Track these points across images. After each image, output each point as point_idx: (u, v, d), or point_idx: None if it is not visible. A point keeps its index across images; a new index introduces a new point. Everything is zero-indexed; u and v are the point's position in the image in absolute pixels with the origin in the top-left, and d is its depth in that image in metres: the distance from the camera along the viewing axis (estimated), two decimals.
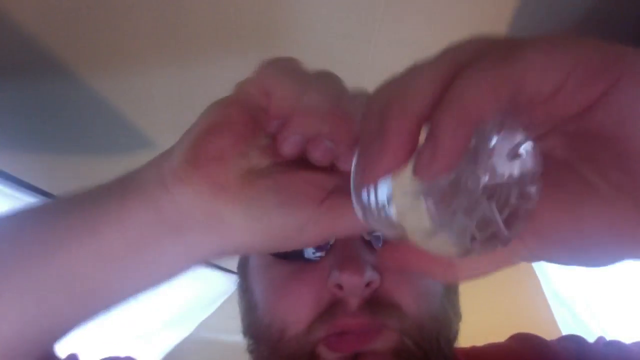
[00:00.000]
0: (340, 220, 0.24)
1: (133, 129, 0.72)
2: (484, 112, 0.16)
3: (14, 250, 0.25)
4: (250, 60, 0.68)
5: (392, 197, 0.19)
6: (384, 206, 0.19)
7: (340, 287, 0.34)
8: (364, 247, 0.36)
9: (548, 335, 0.49)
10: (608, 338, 0.47)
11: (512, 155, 0.18)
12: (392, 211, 0.19)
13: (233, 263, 0.51)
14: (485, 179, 0.18)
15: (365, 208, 0.20)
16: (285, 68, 0.26)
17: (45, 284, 0.24)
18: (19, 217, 0.27)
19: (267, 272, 0.39)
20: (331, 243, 0.36)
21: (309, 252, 0.37)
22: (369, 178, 0.17)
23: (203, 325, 1.32)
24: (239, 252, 0.27)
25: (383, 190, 0.19)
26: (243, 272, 0.44)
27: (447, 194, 0.18)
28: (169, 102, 0.70)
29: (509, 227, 0.19)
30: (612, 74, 0.16)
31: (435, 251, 0.19)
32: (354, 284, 0.33)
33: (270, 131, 0.25)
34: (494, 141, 0.18)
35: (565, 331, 1.00)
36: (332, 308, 0.34)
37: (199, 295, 1.26)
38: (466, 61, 0.17)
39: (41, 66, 0.60)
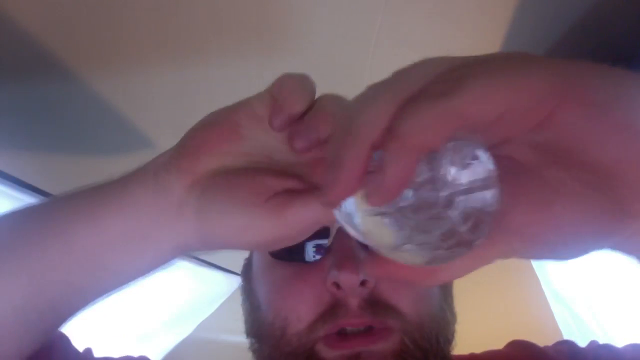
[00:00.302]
0: (284, 220, 0.25)
1: (133, 129, 0.72)
2: (426, 144, 0.17)
3: (15, 237, 0.26)
4: (250, 61, 0.69)
5: (356, 215, 0.21)
6: (351, 222, 0.21)
7: (337, 286, 0.35)
8: (361, 248, 0.37)
9: (548, 335, 0.49)
10: (608, 338, 0.47)
11: (464, 165, 0.20)
12: (359, 227, 0.21)
13: (233, 263, 0.51)
14: (441, 193, 0.20)
15: (342, 220, 0.22)
16: (299, 80, 0.28)
17: (45, 265, 0.26)
18: (23, 211, 0.29)
19: (269, 273, 0.40)
20: (329, 245, 0.37)
21: (309, 254, 0.38)
22: (329, 201, 0.19)
23: (203, 325, 1.32)
24: (197, 247, 0.28)
25: (349, 207, 0.21)
26: (247, 274, 0.45)
27: (405, 212, 0.20)
28: (168, 102, 0.70)
29: (473, 231, 0.20)
30: (553, 100, 0.17)
31: (402, 262, 0.21)
32: (350, 281, 0.34)
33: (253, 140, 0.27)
34: (447, 157, 0.19)
35: (565, 331, 1.00)
36: (333, 309, 0.35)
37: (199, 295, 1.26)
38: (412, 92, 0.18)
39: (41, 66, 0.60)
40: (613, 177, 0.19)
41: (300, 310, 0.36)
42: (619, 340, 0.77)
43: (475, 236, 0.20)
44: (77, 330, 0.90)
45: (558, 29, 0.59)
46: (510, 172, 0.21)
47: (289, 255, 0.39)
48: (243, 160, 0.27)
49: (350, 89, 0.58)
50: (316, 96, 0.28)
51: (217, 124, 0.28)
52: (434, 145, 0.17)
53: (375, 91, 0.19)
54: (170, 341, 1.19)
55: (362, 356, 0.34)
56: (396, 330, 0.35)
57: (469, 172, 0.20)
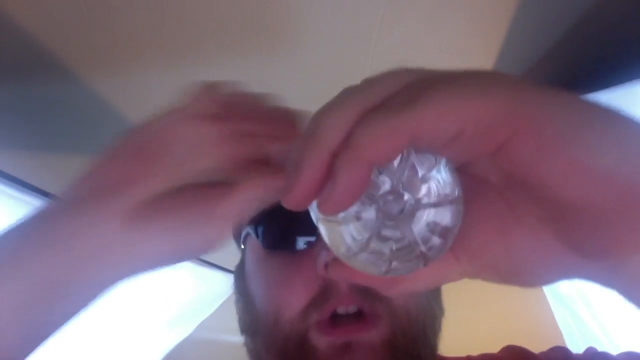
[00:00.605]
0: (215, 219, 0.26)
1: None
2: (378, 156, 0.17)
3: None
4: (249, 61, 0.69)
5: (317, 221, 0.21)
6: (316, 224, 0.21)
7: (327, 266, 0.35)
8: None
9: (549, 335, 0.49)
10: (609, 338, 0.47)
11: (427, 180, 0.20)
12: (320, 231, 0.21)
13: (233, 263, 0.52)
14: (401, 206, 0.20)
15: (313, 220, 0.21)
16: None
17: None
18: None
19: (262, 265, 0.40)
20: (318, 233, 0.37)
21: (300, 243, 0.38)
22: (289, 204, 0.19)
23: (203, 325, 1.32)
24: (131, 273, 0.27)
25: (312, 212, 0.21)
26: (240, 273, 0.45)
27: (361, 222, 0.20)
28: (168, 102, 0.70)
29: (431, 246, 0.20)
30: (508, 127, 0.17)
31: (358, 269, 0.21)
32: None
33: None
34: (405, 170, 0.19)
35: (565, 331, 1.00)
36: (324, 292, 0.35)
37: (199, 295, 1.26)
38: (375, 102, 0.18)
39: (41, 66, 0.60)
40: (568, 216, 0.18)
41: (292, 296, 0.36)
42: (619, 340, 0.77)
43: (432, 252, 0.20)
44: (77, 330, 0.90)
45: (558, 29, 0.59)
46: (475, 192, 0.21)
47: (282, 245, 0.39)
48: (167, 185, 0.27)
49: None
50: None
51: (143, 154, 0.27)
52: (386, 157, 0.17)
53: (340, 98, 0.19)
54: (170, 341, 1.19)
55: (353, 346, 0.34)
56: (385, 318, 0.35)
57: (433, 186, 0.20)
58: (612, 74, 0.57)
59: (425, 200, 0.20)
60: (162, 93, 0.69)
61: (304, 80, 0.69)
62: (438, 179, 0.20)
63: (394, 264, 0.20)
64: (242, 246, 0.46)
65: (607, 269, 0.20)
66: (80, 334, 0.93)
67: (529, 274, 0.22)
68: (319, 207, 0.18)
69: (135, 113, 0.70)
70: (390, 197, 0.20)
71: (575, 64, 0.63)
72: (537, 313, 1.26)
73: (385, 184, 0.20)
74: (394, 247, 0.20)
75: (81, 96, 0.65)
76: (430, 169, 0.20)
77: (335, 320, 0.35)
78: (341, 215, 0.20)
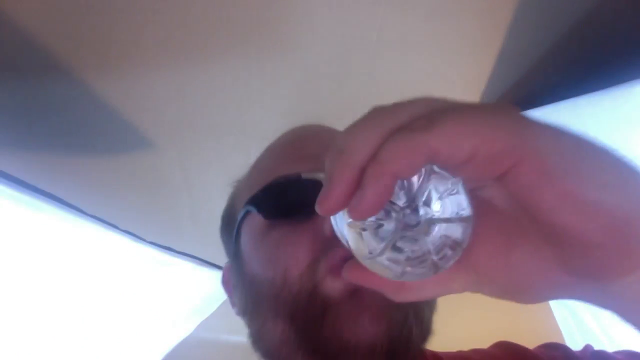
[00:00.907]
0: None
1: (134, 130, 0.72)
2: (401, 170, 0.20)
3: None
4: (251, 61, 0.69)
5: (343, 226, 0.24)
6: (340, 230, 0.25)
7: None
8: None
9: (549, 335, 0.49)
10: (609, 338, 0.47)
11: (444, 196, 0.23)
12: (344, 235, 0.24)
13: None
14: (420, 218, 0.23)
15: (334, 227, 0.26)
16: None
17: None
18: None
19: (264, 236, 0.41)
20: None
21: (303, 213, 0.39)
22: (322, 212, 0.22)
23: (203, 325, 1.32)
24: None
25: (339, 218, 0.25)
26: (237, 257, 0.44)
27: (383, 230, 0.23)
28: (169, 102, 0.70)
29: (442, 257, 0.23)
30: (513, 157, 0.20)
31: (375, 271, 0.24)
32: None
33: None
34: (425, 187, 0.22)
35: (565, 331, 1.00)
36: (331, 242, 0.35)
37: (199, 295, 1.26)
38: (399, 124, 0.21)
39: (42, 66, 0.60)
40: (563, 239, 0.21)
41: (298, 252, 0.37)
42: (620, 340, 0.77)
43: (442, 262, 0.23)
44: (78, 330, 0.90)
45: (557, 29, 0.59)
46: (484, 213, 0.24)
47: (286, 213, 0.40)
48: None
49: (350, 89, 0.58)
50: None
51: None
52: (408, 171, 0.20)
53: (369, 119, 0.22)
54: (170, 341, 1.19)
55: (362, 293, 0.35)
56: None
57: (448, 204, 0.23)
58: (611, 73, 0.57)
59: (440, 215, 0.23)
60: (163, 93, 0.69)
61: (305, 80, 0.69)
62: (453, 198, 0.23)
63: (408, 269, 0.23)
64: (236, 234, 0.45)
65: (601, 291, 0.23)
66: (80, 334, 0.93)
67: (527, 291, 0.24)
68: (350, 212, 0.21)
69: (135, 113, 0.70)
70: (408, 211, 0.23)
71: (575, 64, 0.63)
72: (537, 313, 1.26)
73: (409, 197, 0.23)
74: (409, 254, 0.23)
75: (82, 96, 0.65)
76: (446, 188, 0.23)
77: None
78: (366, 222, 0.23)
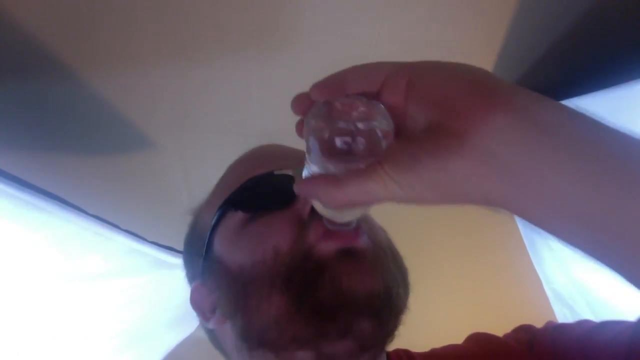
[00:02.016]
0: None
1: (135, 129, 0.72)
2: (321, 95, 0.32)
3: None
4: (250, 61, 0.69)
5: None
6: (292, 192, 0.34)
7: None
8: None
9: None
10: None
11: (375, 108, 0.31)
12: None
13: None
14: (355, 120, 0.31)
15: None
16: None
17: None
18: None
19: (245, 228, 0.42)
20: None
21: (279, 203, 0.42)
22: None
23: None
24: None
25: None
26: (212, 263, 0.45)
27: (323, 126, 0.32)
28: (169, 102, 0.70)
29: (368, 148, 0.30)
30: (402, 78, 0.29)
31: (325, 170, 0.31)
32: None
33: None
34: (354, 108, 0.31)
35: None
36: (310, 220, 0.39)
37: None
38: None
39: (43, 66, 0.60)
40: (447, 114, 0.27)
41: (284, 230, 0.40)
42: None
43: (368, 152, 0.30)
44: (79, 329, 0.90)
45: (558, 29, 0.59)
46: (400, 132, 0.31)
47: (264, 205, 0.43)
48: None
49: None
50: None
51: None
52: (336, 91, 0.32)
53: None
54: (170, 341, 1.19)
55: (352, 251, 0.38)
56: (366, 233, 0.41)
57: (377, 114, 0.31)
58: (611, 73, 0.57)
59: (371, 119, 0.31)
60: (164, 93, 0.69)
61: (305, 80, 0.69)
62: (383, 111, 0.31)
63: (359, 139, 0.31)
64: (208, 244, 0.45)
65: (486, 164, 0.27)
66: (81, 333, 0.93)
67: (455, 191, 0.28)
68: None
69: (135, 113, 0.70)
70: (349, 115, 0.32)
71: (575, 64, 0.63)
72: (537, 312, 1.26)
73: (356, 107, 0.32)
74: (358, 126, 0.31)
75: (82, 96, 0.65)
76: (378, 106, 0.31)
77: (331, 232, 0.38)
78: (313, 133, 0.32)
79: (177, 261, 0.97)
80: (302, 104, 0.33)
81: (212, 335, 0.48)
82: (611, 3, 0.55)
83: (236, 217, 0.43)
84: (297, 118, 0.35)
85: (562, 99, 0.62)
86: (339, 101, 0.32)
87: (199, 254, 0.46)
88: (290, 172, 0.43)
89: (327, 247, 0.38)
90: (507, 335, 0.51)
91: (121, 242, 0.81)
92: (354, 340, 0.37)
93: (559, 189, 0.26)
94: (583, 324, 0.48)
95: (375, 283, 0.37)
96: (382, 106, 0.31)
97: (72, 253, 0.78)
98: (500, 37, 0.61)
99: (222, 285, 0.42)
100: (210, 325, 0.45)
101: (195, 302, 0.45)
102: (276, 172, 0.43)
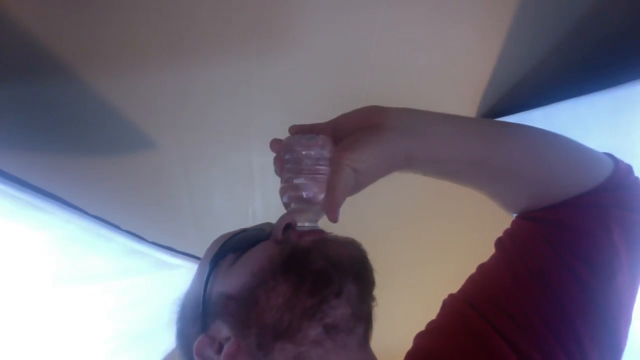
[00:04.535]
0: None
1: (135, 130, 0.72)
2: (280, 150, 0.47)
3: None
4: (251, 61, 0.69)
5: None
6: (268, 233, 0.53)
7: (286, 227, 0.51)
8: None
9: None
10: None
11: (317, 144, 0.46)
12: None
13: None
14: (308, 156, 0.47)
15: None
16: None
17: None
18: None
19: (235, 264, 0.50)
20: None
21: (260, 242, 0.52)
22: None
23: None
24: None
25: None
26: (216, 307, 0.49)
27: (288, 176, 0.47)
28: (169, 101, 0.70)
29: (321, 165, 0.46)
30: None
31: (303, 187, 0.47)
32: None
33: None
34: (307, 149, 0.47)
35: None
36: (285, 233, 0.50)
37: None
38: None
39: (43, 66, 0.60)
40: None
41: (269, 245, 0.50)
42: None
43: (322, 170, 0.46)
44: (80, 330, 0.90)
45: (559, 29, 0.59)
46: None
47: (246, 246, 0.51)
48: None
49: (351, 90, 0.58)
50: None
51: None
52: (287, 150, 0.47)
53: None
54: (170, 342, 1.20)
55: (326, 238, 0.49)
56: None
57: (320, 147, 0.46)
58: (612, 74, 0.57)
59: (320, 153, 0.46)
60: (164, 93, 0.69)
61: (305, 80, 0.69)
62: (327, 143, 0.47)
63: (309, 177, 0.46)
64: (204, 299, 0.50)
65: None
66: (82, 334, 0.93)
67: (388, 157, 0.45)
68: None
69: (136, 113, 0.70)
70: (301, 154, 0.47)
71: (576, 65, 0.63)
72: None
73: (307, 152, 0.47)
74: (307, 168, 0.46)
75: (83, 96, 0.65)
76: (322, 140, 0.47)
77: (305, 233, 0.50)
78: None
79: (178, 261, 0.97)
80: (275, 144, 0.49)
81: None
82: (612, 4, 0.55)
83: (226, 262, 0.51)
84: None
85: (563, 100, 0.62)
86: (295, 137, 0.48)
87: (195, 315, 0.51)
88: (256, 229, 0.55)
89: (307, 240, 0.48)
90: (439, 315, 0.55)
91: (122, 243, 0.81)
92: (347, 305, 0.45)
93: (441, 138, 0.46)
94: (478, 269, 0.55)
95: (353, 250, 0.49)
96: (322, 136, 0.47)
97: (72, 253, 0.78)
98: (501, 38, 0.61)
99: (228, 312, 0.47)
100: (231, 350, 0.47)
101: (201, 353, 0.48)
102: (247, 229, 0.55)
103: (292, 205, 0.47)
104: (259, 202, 0.93)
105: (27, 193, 0.61)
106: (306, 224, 0.49)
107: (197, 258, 1.07)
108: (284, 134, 0.55)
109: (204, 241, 0.57)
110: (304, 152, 0.46)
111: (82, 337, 0.94)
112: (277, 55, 0.64)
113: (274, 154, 0.49)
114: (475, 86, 0.69)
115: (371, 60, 0.64)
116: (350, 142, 0.44)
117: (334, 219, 0.44)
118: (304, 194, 0.46)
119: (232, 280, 0.49)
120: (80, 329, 0.92)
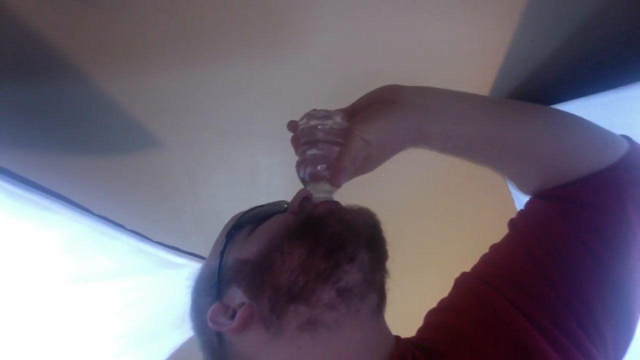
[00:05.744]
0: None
1: (139, 130, 0.73)
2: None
3: None
4: (255, 61, 0.69)
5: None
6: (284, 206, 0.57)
7: (302, 200, 0.52)
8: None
9: None
10: None
11: (336, 116, 0.50)
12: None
13: None
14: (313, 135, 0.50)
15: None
16: None
17: None
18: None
19: (252, 234, 0.51)
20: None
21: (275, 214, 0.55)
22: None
23: None
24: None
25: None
26: (231, 272, 0.50)
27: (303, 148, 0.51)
28: (175, 101, 0.70)
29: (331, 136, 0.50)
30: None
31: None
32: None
33: None
34: (323, 122, 0.50)
35: None
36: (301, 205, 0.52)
37: None
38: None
39: (47, 65, 0.60)
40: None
41: (286, 215, 0.52)
42: None
43: (330, 136, 0.49)
44: (82, 330, 0.90)
45: (564, 30, 0.59)
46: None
47: (262, 219, 0.53)
48: None
49: (354, 89, 0.58)
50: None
51: None
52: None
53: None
54: (176, 340, 1.20)
55: (341, 206, 0.50)
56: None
57: (334, 120, 0.49)
58: (619, 74, 0.57)
59: (333, 124, 0.50)
60: (167, 92, 0.69)
61: (311, 81, 0.69)
62: (341, 118, 0.50)
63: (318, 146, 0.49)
64: (219, 269, 0.50)
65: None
66: (88, 332, 0.93)
67: (399, 130, 0.48)
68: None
69: (140, 113, 0.70)
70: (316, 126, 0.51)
71: (582, 65, 0.63)
72: None
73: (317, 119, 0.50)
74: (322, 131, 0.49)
75: (87, 95, 0.65)
76: (336, 114, 0.50)
77: (321, 203, 0.51)
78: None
79: (183, 261, 0.98)
80: (292, 124, 0.52)
81: (227, 352, 0.49)
82: (617, 4, 0.54)
83: (242, 234, 0.52)
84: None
85: (568, 100, 0.62)
86: (314, 111, 0.50)
87: (209, 285, 0.51)
88: (272, 205, 0.56)
89: (322, 208, 0.49)
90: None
91: (127, 242, 0.82)
92: (359, 271, 0.45)
93: (455, 113, 0.48)
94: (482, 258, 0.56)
95: (367, 218, 0.49)
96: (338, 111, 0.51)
97: (78, 253, 0.79)
98: (507, 38, 0.61)
99: (243, 276, 0.48)
100: (232, 331, 0.47)
101: (214, 320, 0.48)
102: (263, 205, 0.56)
103: (308, 179, 0.49)
104: (264, 202, 0.93)
105: (34, 192, 0.62)
106: (322, 195, 0.50)
107: (202, 258, 1.07)
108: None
109: (208, 241, 0.57)
110: (319, 126, 0.48)
111: (88, 335, 0.94)
112: (282, 56, 0.64)
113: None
114: (481, 86, 0.69)
115: (376, 60, 0.64)
116: (363, 115, 0.47)
117: (337, 182, 0.45)
118: (318, 167, 0.48)
119: (248, 247, 0.49)
120: (86, 327, 0.92)
